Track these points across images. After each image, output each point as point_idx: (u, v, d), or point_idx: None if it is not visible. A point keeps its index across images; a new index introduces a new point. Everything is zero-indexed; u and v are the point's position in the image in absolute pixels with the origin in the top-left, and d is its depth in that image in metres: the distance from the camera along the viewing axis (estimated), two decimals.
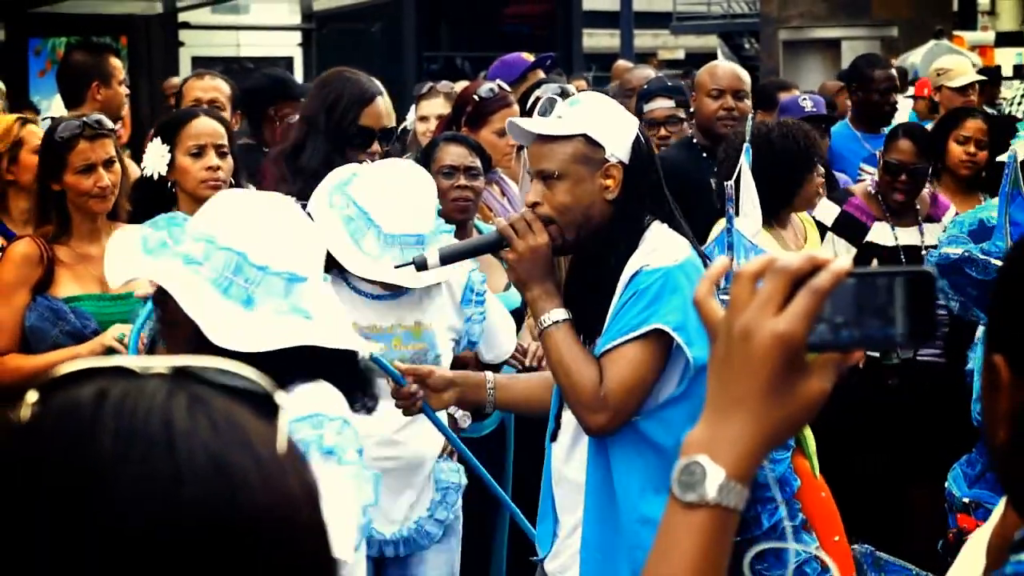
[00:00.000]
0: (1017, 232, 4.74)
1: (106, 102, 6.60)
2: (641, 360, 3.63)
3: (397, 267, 4.10)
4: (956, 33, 18.43)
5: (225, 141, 5.07)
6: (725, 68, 6.79)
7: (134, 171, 5.41)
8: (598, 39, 28.24)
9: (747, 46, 30.52)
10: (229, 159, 5.06)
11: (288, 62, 18.65)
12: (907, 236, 6.40)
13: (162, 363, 1.19)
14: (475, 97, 6.17)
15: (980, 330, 5.17)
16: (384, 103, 5.04)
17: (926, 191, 6.57)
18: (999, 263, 4.65)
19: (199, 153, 5.00)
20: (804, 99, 7.25)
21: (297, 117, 5.37)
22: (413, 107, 7.25)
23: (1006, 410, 1.47)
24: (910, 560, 4.90)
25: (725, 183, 4.72)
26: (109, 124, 4.95)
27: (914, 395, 6.08)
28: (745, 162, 4.85)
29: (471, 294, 4.48)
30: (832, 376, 1.43)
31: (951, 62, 9.52)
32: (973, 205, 6.54)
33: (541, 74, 7.34)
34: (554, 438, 3.93)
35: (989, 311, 1.58)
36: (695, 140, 6.52)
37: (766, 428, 1.42)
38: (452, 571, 4.64)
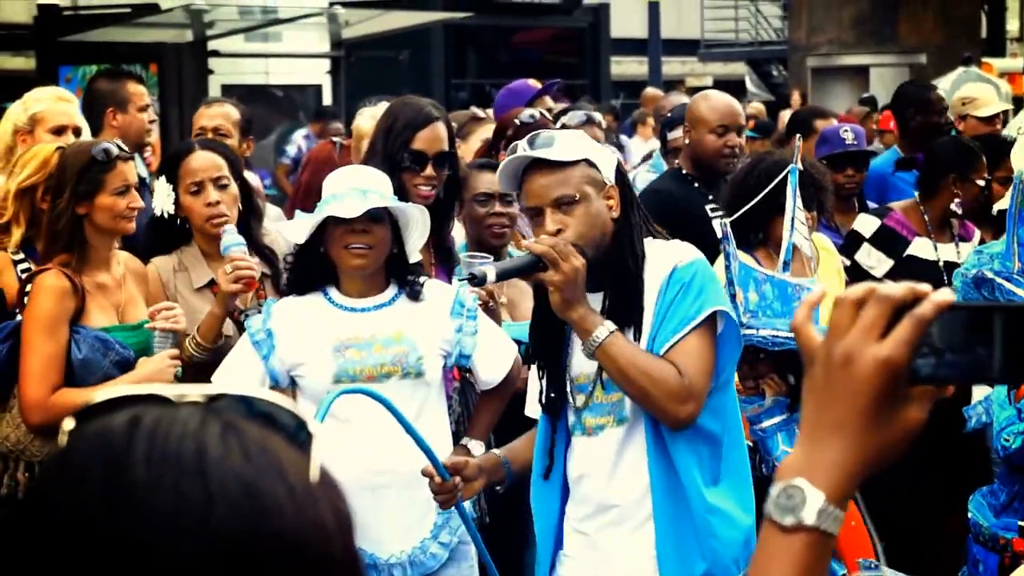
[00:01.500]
0: None
1: (123, 128, 6.61)
2: (706, 345, 3.81)
3: (460, 279, 4.36)
4: (985, 60, 18.39)
5: (224, 171, 5.06)
6: (724, 102, 6.66)
7: None
8: (626, 66, 28.27)
9: (775, 73, 30.51)
10: (231, 188, 5.07)
11: (317, 90, 18.73)
12: (945, 252, 6.41)
13: (197, 391, 1.20)
14: (516, 122, 6.18)
15: None
16: (440, 128, 5.02)
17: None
18: (1006, 284, 4.64)
19: (197, 190, 5.03)
20: (846, 130, 7.14)
21: None
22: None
23: None
24: None
25: (724, 220, 4.78)
26: (127, 149, 5.00)
27: (940, 420, 6.05)
28: (791, 184, 4.94)
29: (460, 307, 4.52)
30: (928, 406, 1.44)
31: (977, 91, 9.49)
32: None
33: (549, 101, 7.30)
34: (546, 475, 4.03)
35: None
36: (684, 171, 6.47)
37: (865, 453, 1.43)
38: None
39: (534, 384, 4.14)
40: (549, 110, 6.68)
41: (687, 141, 6.55)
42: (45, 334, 4.65)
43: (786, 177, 5.06)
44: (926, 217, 6.43)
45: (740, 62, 31.43)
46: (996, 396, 4.79)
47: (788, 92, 21.30)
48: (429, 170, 4.95)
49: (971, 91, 9.36)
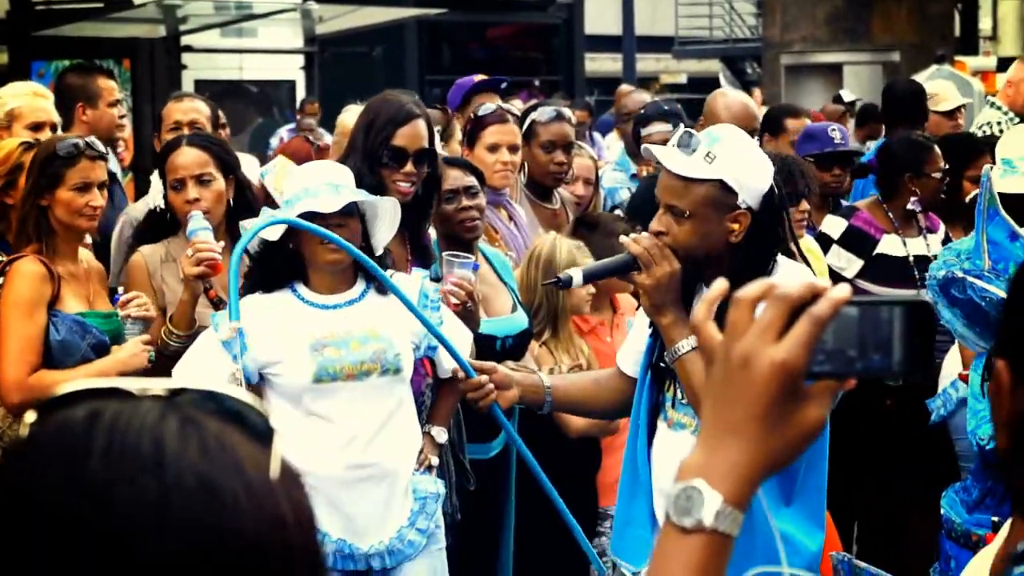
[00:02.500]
0: (994, 250, 4.74)
1: (93, 123, 6.61)
2: None
3: (544, 284, 4.52)
4: (958, 58, 18.44)
5: (208, 168, 5.09)
6: (740, 103, 6.75)
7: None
8: (600, 63, 28.28)
9: (749, 70, 30.56)
10: (216, 184, 5.09)
11: (291, 86, 18.68)
12: (915, 246, 6.43)
13: (160, 385, 1.20)
14: (471, 115, 6.23)
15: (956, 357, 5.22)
16: (421, 125, 5.02)
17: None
18: (977, 282, 4.64)
19: (179, 187, 5.07)
20: (834, 129, 7.08)
21: None
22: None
23: (1006, 416, 1.47)
24: None
25: None
26: (101, 148, 4.99)
27: (910, 418, 6.07)
28: None
29: (426, 300, 4.51)
30: (829, 403, 1.43)
31: (938, 87, 9.58)
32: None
33: (496, 97, 7.26)
34: (649, 442, 3.98)
35: (997, 318, 1.58)
36: None
37: (764, 455, 1.43)
38: None
39: (637, 340, 4.13)
40: (534, 107, 6.68)
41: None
42: (23, 316, 4.68)
43: None
44: (890, 214, 6.45)
45: (714, 59, 31.46)
46: (970, 389, 4.81)
47: (762, 89, 21.35)
48: (409, 167, 4.95)
49: (932, 87, 9.44)
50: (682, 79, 32.91)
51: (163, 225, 5.19)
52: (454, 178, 5.31)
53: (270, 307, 4.51)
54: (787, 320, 1.41)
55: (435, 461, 4.70)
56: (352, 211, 4.45)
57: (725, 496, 1.42)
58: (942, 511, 4.87)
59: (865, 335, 1.41)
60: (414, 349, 4.57)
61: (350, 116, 6.39)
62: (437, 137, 5.68)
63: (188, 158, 5.09)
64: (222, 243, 4.93)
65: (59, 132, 5.96)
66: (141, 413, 1.14)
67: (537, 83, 8.39)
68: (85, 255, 5.02)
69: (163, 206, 5.17)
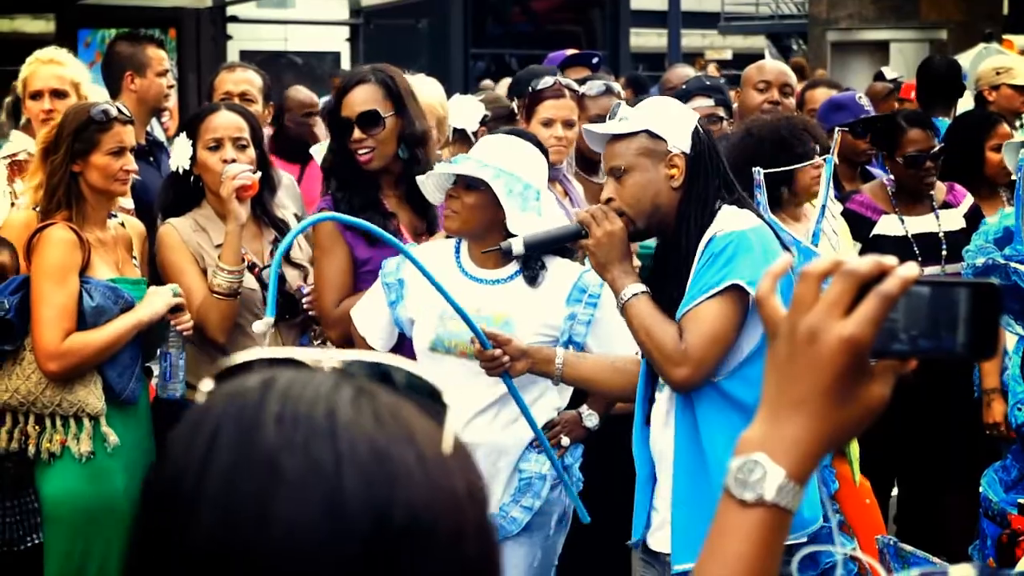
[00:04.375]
0: None
1: (141, 92, 6.62)
2: (718, 314, 3.84)
3: (484, 252, 4.45)
4: (1006, 36, 18.30)
5: (245, 134, 5.13)
6: (773, 63, 6.82)
7: None
8: (646, 38, 28.18)
9: (795, 47, 30.40)
10: (250, 150, 5.12)
11: (335, 57, 18.71)
12: (921, 224, 6.35)
13: (333, 357, 1.20)
14: (530, 89, 6.22)
15: (1013, 339, 5.15)
16: (364, 89, 5.01)
17: (942, 184, 6.51)
18: (1021, 267, 4.62)
19: (216, 147, 5.08)
20: (861, 97, 6.99)
21: None
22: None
23: None
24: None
25: (757, 168, 4.83)
26: (129, 113, 5.04)
27: (932, 394, 6.04)
28: (825, 174, 4.96)
29: (580, 294, 4.51)
30: (892, 382, 1.43)
31: (1012, 61, 9.39)
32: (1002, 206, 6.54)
33: (587, 72, 7.29)
34: (646, 422, 4.10)
35: None
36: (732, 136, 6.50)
37: (826, 431, 1.42)
38: (533, 565, 4.62)
39: None
40: (583, 80, 6.66)
41: (736, 105, 6.64)
42: (56, 283, 4.72)
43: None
44: (891, 194, 6.38)
45: (760, 35, 31.31)
46: (1012, 371, 4.80)
47: (807, 66, 21.24)
48: (356, 133, 4.96)
49: (1005, 61, 9.28)
50: (727, 55, 32.76)
51: (187, 190, 5.17)
52: None
53: (433, 264, 4.46)
54: (854, 296, 1.40)
55: (565, 441, 4.64)
56: (474, 185, 4.48)
57: (788, 471, 1.42)
58: (981, 490, 4.86)
59: (933, 315, 1.41)
60: (549, 341, 4.49)
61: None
62: (440, 103, 5.72)
63: (228, 120, 5.13)
64: (258, 173, 5.02)
65: (89, 96, 5.94)
66: (315, 382, 1.14)
67: (602, 56, 8.38)
68: (114, 222, 5.06)
69: (187, 168, 5.14)
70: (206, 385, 1.20)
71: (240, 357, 1.22)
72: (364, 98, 5.00)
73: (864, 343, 1.40)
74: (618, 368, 4.31)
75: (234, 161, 5.03)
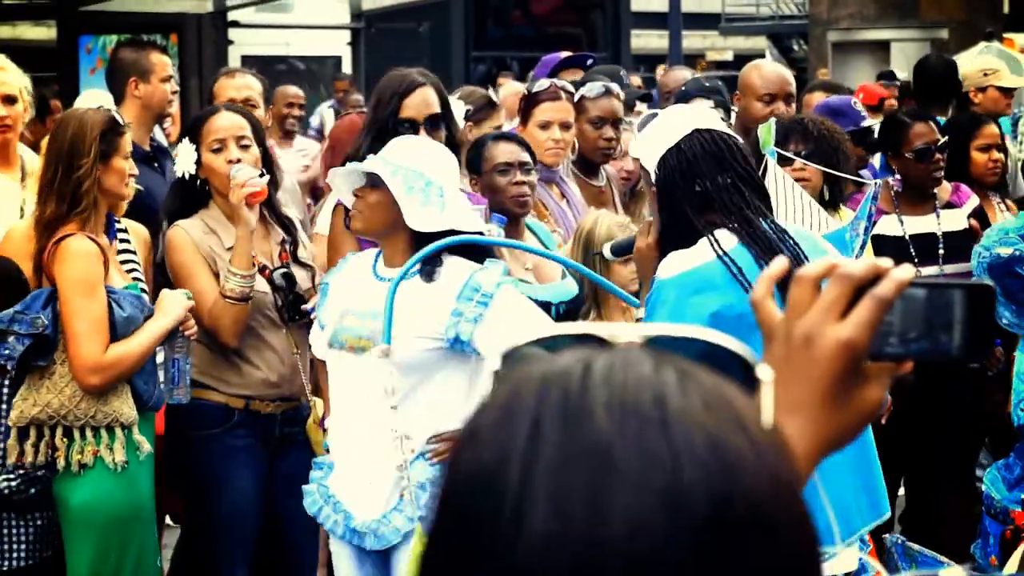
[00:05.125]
0: None
1: (146, 98, 6.63)
2: None
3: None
4: (1007, 35, 18.30)
5: (247, 132, 5.15)
6: (774, 71, 6.67)
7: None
8: (647, 40, 28.18)
9: (796, 47, 30.40)
10: (254, 149, 5.14)
11: (337, 61, 18.73)
12: (921, 224, 6.36)
13: (632, 331, 1.16)
14: (526, 91, 6.24)
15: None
16: (427, 93, 5.11)
17: (947, 184, 6.55)
18: None
19: (220, 148, 5.10)
20: (855, 103, 6.97)
21: None
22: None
23: None
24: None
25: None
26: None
27: (926, 394, 6.05)
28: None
29: (472, 292, 4.39)
30: (887, 384, 1.43)
31: (999, 63, 9.40)
32: (993, 207, 6.65)
33: (580, 73, 7.28)
34: None
35: None
36: None
37: (823, 434, 1.42)
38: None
39: None
40: (574, 82, 6.67)
41: (735, 109, 6.59)
42: (88, 296, 4.71)
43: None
44: (893, 194, 6.40)
45: (761, 36, 31.31)
46: (1016, 369, 4.81)
47: (809, 67, 21.24)
48: (422, 134, 5.01)
49: (993, 63, 9.28)
50: (728, 56, 32.76)
51: (193, 194, 5.19)
52: (510, 152, 5.37)
53: (355, 268, 4.57)
54: (850, 299, 1.40)
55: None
56: (377, 184, 4.44)
57: None
58: (984, 488, 4.87)
59: (928, 317, 1.41)
60: (433, 339, 4.42)
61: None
62: (462, 106, 5.76)
63: (230, 121, 5.16)
64: (266, 177, 5.04)
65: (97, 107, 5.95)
66: (634, 364, 1.07)
67: (596, 58, 8.36)
68: (129, 225, 5.09)
69: (192, 173, 5.16)
70: (493, 364, 1.16)
71: (530, 335, 1.17)
72: (429, 101, 5.10)
73: (860, 346, 1.40)
74: None
75: (239, 161, 5.05)
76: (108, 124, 4.88)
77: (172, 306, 4.83)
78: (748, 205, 3.85)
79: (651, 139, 3.95)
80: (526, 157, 5.39)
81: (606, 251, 4.28)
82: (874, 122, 6.92)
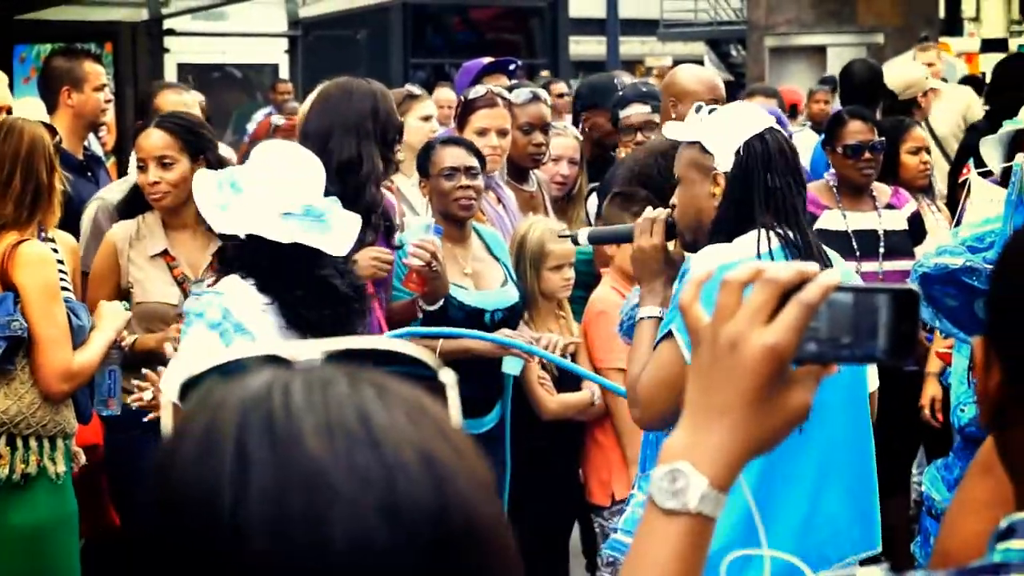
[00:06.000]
0: None
1: (79, 107, 6.59)
2: (665, 360, 3.69)
3: (560, 235, 4.69)
4: (942, 40, 18.46)
5: (169, 151, 5.10)
6: (701, 76, 6.68)
7: None
8: (585, 46, 28.23)
9: (734, 53, 30.55)
10: (178, 167, 5.08)
11: (274, 69, 18.65)
12: (863, 220, 6.44)
13: (313, 348, 1.14)
14: (462, 98, 6.25)
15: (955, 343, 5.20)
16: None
17: (887, 187, 6.65)
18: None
19: (143, 167, 5.12)
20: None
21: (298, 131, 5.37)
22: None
23: (980, 393, 1.48)
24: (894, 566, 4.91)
25: None
26: None
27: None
28: None
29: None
30: (814, 388, 1.43)
31: (925, 69, 9.54)
32: (924, 210, 6.76)
33: (504, 79, 7.26)
34: None
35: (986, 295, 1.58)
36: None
37: (749, 438, 1.42)
38: None
39: None
40: (510, 88, 6.66)
41: (673, 115, 6.58)
42: (55, 301, 4.69)
43: None
44: (834, 191, 6.48)
45: (699, 42, 31.44)
46: (954, 372, 4.83)
47: (747, 72, 21.35)
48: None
49: (928, 70, 9.41)
50: (667, 62, 32.88)
51: (142, 203, 5.22)
52: (456, 156, 5.40)
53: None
54: (776, 304, 1.41)
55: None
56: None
57: (710, 479, 1.42)
58: (923, 488, 4.89)
59: (854, 321, 1.42)
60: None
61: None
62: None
63: (151, 140, 5.13)
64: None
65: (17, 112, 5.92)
66: (330, 382, 1.06)
67: (519, 63, 8.33)
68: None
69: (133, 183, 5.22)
70: (171, 394, 1.13)
71: (208, 362, 1.15)
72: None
73: (785, 351, 1.40)
74: None
75: (157, 182, 5.06)
76: (54, 137, 4.93)
77: (113, 317, 4.79)
78: (802, 211, 3.87)
79: (725, 124, 3.88)
80: (472, 161, 5.42)
81: (582, 237, 4.15)
82: (795, 129, 7.02)
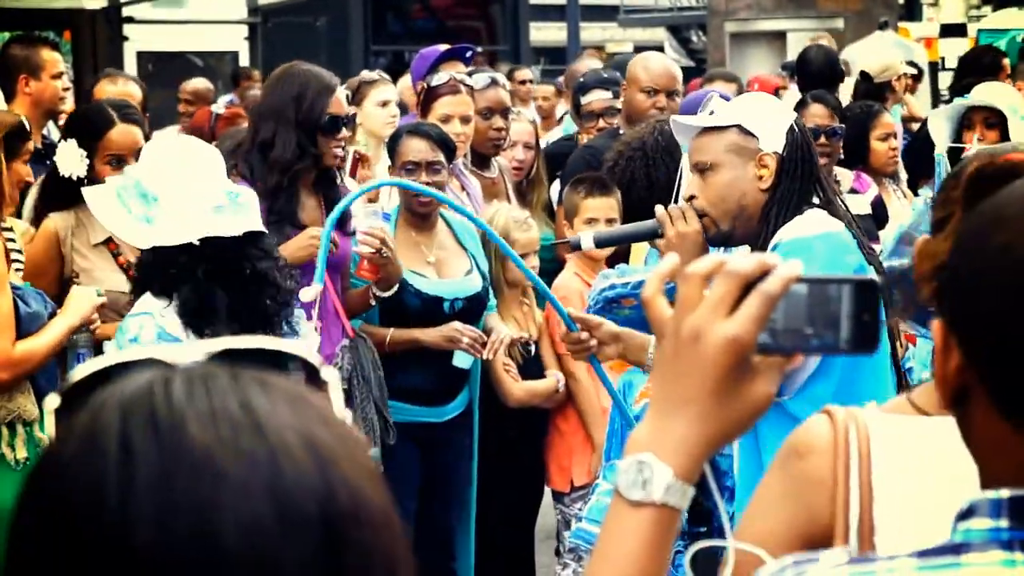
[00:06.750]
0: None
1: (36, 95, 6.58)
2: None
3: (553, 244, 4.66)
4: (901, 24, 18.50)
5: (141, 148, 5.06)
6: (659, 64, 6.70)
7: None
8: (546, 32, 28.22)
9: (695, 39, 30.56)
10: None
11: (234, 56, 18.57)
12: None
13: (195, 350, 1.14)
14: (424, 85, 6.24)
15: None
16: (343, 93, 5.24)
17: (849, 172, 6.71)
18: None
19: (118, 164, 5.05)
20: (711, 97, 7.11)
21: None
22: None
23: (939, 374, 1.48)
24: None
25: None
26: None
27: None
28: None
29: (118, 332, 4.17)
30: (777, 379, 1.44)
31: (906, 51, 9.60)
32: (890, 195, 6.90)
33: (460, 66, 7.25)
34: None
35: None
36: (622, 131, 6.44)
37: (713, 429, 1.44)
38: None
39: None
40: (469, 74, 6.65)
41: (622, 99, 6.63)
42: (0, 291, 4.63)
43: None
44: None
45: (660, 28, 31.44)
46: (918, 355, 4.84)
47: (708, 58, 21.37)
48: (343, 132, 5.12)
49: (906, 53, 9.48)
50: (628, 48, 32.88)
51: (74, 192, 5.02)
52: (417, 151, 5.39)
53: None
54: (738, 296, 1.42)
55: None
56: None
57: (675, 470, 1.43)
58: None
59: (814, 312, 1.43)
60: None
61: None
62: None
63: (129, 137, 5.15)
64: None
65: None
66: (211, 376, 1.06)
67: (480, 50, 8.33)
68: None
69: (81, 176, 5.08)
70: (52, 402, 1.12)
71: (88, 367, 1.13)
72: (344, 99, 5.20)
73: (747, 342, 1.41)
74: None
75: None
76: (18, 128, 4.87)
77: (81, 304, 4.76)
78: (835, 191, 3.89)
79: (766, 108, 3.88)
80: (435, 156, 5.40)
81: (586, 242, 4.01)
82: None
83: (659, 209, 3.87)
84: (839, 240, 3.70)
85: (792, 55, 17.36)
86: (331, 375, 1.18)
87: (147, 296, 4.05)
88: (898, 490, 2.13)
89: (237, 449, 1.01)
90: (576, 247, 4.06)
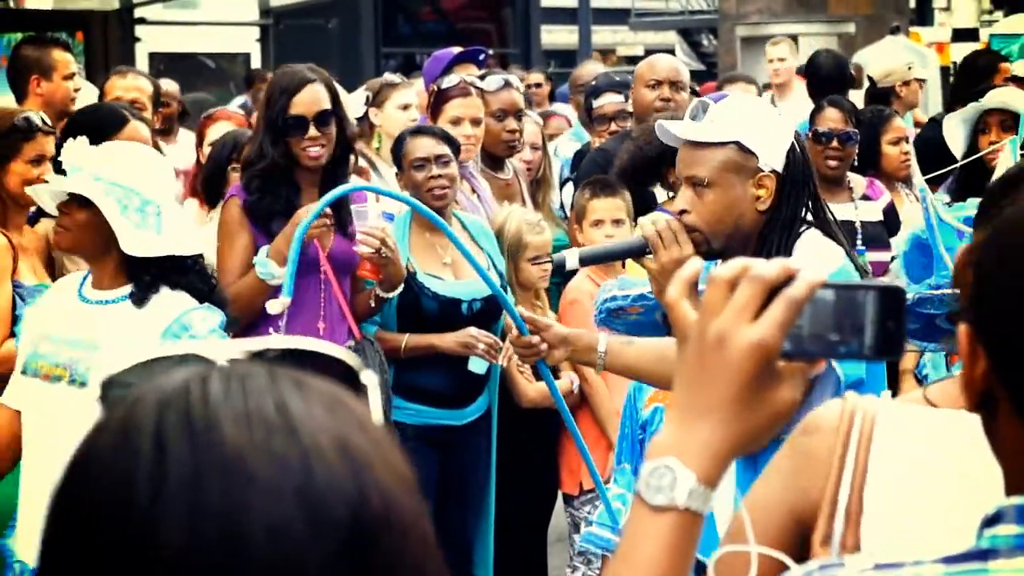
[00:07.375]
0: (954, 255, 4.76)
1: (47, 96, 6.58)
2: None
3: (537, 262, 4.60)
4: (913, 29, 18.48)
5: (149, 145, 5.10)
6: (663, 59, 6.78)
7: None
8: (556, 35, 28.20)
9: (705, 43, 30.55)
10: None
11: (246, 58, 18.57)
12: (840, 212, 6.45)
13: (236, 347, 1.15)
14: (435, 87, 6.24)
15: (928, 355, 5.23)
16: (316, 89, 5.11)
17: (863, 178, 6.70)
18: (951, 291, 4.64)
19: None
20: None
21: None
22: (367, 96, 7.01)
23: (966, 379, 1.48)
24: None
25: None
26: (51, 123, 5.06)
27: None
28: None
29: (181, 330, 4.05)
30: (802, 384, 1.44)
31: (917, 56, 9.58)
32: (902, 199, 6.87)
33: (473, 68, 7.25)
34: None
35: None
36: (633, 133, 6.45)
37: (736, 435, 1.43)
38: None
39: None
40: (482, 76, 6.66)
41: (631, 101, 6.66)
42: None
43: None
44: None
45: (671, 31, 31.43)
46: (932, 361, 4.84)
47: (719, 61, 21.35)
48: (312, 131, 5.04)
49: (914, 57, 9.46)
50: (639, 51, 32.86)
51: None
52: (425, 147, 5.39)
53: (55, 295, 4.30)
54: (762, 301, 1.41)
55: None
56: (86, 202, 4.05)
57: (698, 475, 1.42)
58: None
59: (841, 318, 1.43)
60: None
61: None
62: (362, 102, 5.78)
63: (140, 136, 5.21)
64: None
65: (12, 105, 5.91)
66: (249, 376, 1.07)
67: (490, 52, 8.32)
68: (43, 228, 5.03)
69: None
70: (94, 391, 1.13)
71: (127, 360, 1.15)
72: (316, 97, 5.09)
73: (772, 347, 1.41)
74: (665, 357, 3.79)
75: None
76: (10, 128, 4.86)
77: None
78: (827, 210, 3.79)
79: (763, 121, 3.69)
80: (443, 150, 5.41)
81: (571, 261, 3.80)
82: None
83: (647, 227, 3.68)
84: (846, 275, 3.58)
85: (803, 59, 17.35)
86: (370, 379, 1.18)
87: (175, 293, 4.09)
88: (894, 477, 2.13)
89: (270, 451, 1.02)
90: (560, 266, 3.88)
